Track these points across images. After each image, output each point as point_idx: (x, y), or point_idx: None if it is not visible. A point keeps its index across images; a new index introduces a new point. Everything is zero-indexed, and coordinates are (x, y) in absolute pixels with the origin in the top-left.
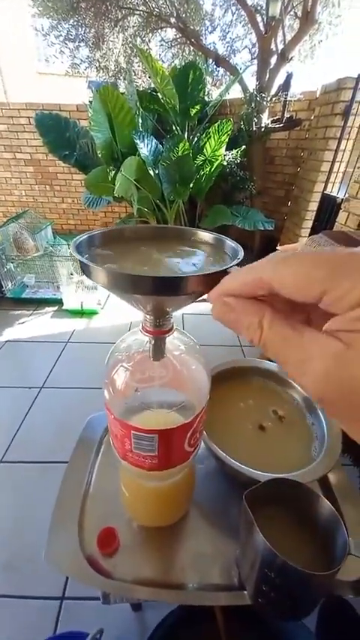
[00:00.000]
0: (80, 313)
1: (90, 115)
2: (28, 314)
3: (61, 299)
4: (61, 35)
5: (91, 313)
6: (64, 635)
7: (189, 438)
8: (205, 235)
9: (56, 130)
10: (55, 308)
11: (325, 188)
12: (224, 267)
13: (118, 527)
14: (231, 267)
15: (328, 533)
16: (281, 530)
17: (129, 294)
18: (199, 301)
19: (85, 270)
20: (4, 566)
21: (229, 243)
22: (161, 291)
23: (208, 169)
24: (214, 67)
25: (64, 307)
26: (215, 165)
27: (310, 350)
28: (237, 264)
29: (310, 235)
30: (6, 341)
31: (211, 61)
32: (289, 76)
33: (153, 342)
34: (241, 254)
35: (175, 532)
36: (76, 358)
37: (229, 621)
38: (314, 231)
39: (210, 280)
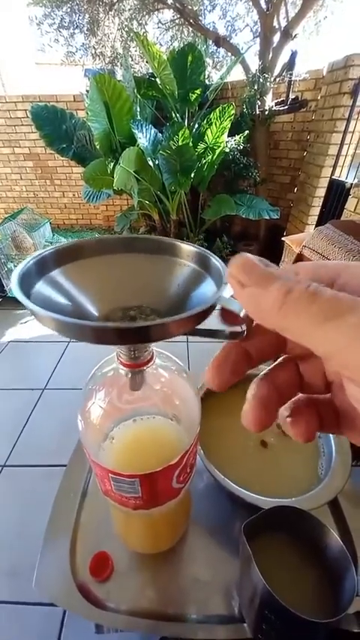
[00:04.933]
0: None
1: (87, 104)
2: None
3: None
4: (54, 23)
5: None
6: None
7: (177, 476)
8: (186, 249)
9: (53, 123)
10: None
11: (333, 173)
12: (203, 308)
13: (112, 551)
14: (214, 302)
15: (335, 570)
16: (283, 561)
17: (89, 342)
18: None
19: (32, 312)
20: (9, 572)
21: (215, 263)
22: (125, 341)
23: (209, 157)
24: (215, 48)
25: None
26: (217, 152)
27: None
28: (217, 300)
29: (317, 223)
30: (9, 341)
31: (210, 41)
32: (293, 55)
33: (129, 374)
34: (224, 280)
35: (172, 556)
36: (78, 358)
37: None
38: (321, 218)
39: (188, 322)
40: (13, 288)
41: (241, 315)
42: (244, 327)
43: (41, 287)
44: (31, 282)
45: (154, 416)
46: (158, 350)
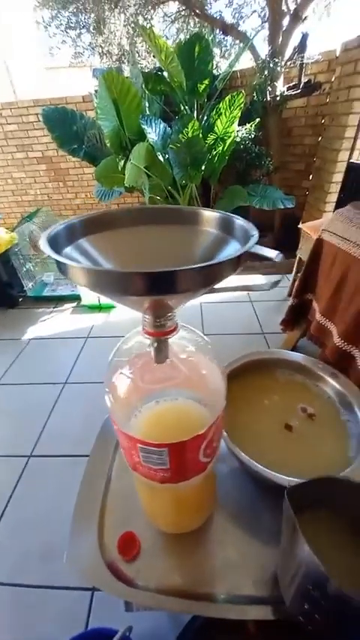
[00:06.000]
0: (98, 308)
1: (96, 103)
2: (49, 311)
3: (79, 295)
4: (61, 24)
5: (108, 308)
6: (93, 631)
7: (204, 449)
8: (210, 215)
9: (63, 124)
10: (74, 304)
11: (350, 156)
12: (232, 256)
13: (138, 531)
14: (242, 253)
15: None
16: (328, 538)
17: (118, 296)
18: (217, 289)
19: (60, 268)
20: (39, 556)
21: (239, 222)
22: (155, 290)
23: (220, 148)
24: (222, 37)
25: (82, 303)
26: (228, 143)
27: None
28: (248, 250)
29: (335, 209)
30: (30, 339)
31: (218, 30)
32: (304, 37)
33: (155, 344)
34: (254, 237)
35: (198, 537)
36: (96, 353)
37: (264, 630)
38: (339, 205)
39: (215, 272)
40: (42, 245)
41: (277, 260)
42: (277, 278)
43: (70, 251)
44: (60, 245)
45: (178, 398)
46: (182, 324)
